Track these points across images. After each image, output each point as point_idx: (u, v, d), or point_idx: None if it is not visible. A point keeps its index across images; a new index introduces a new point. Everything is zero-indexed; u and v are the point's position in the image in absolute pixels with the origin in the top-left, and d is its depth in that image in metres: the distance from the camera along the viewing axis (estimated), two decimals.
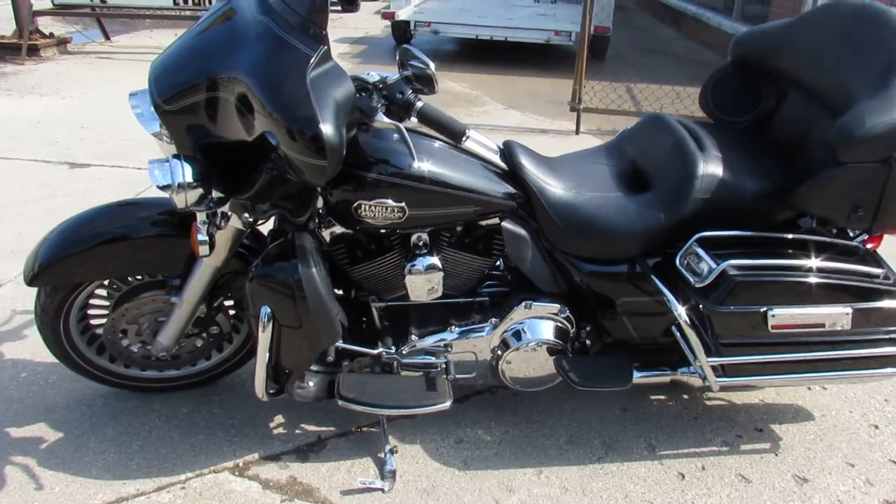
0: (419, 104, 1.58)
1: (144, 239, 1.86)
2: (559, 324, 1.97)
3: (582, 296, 1.96)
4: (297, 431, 2.11)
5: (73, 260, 1.82)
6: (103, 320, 2.03)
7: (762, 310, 1.75)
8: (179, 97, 1.53)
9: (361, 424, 2.14)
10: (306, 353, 1.77)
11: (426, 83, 1.62)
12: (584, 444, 2.11)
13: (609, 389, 2.03)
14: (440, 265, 1.85)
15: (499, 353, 1.97)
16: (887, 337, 1.85)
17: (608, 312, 1.97)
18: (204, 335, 2.07)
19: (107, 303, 2.01)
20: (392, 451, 2.00)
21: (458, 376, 1.96)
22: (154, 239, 1.86)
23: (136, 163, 4.19)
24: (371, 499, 1.89)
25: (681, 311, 1.77)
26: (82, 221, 1.89)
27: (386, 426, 2.07)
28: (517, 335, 1.96)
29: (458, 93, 6.37)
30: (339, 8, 10.56)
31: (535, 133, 5.29)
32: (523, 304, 1.94)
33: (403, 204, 1.68)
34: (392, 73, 1.72)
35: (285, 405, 2.18)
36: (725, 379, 1.86)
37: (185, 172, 1.51)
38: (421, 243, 1.85)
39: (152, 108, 1.56)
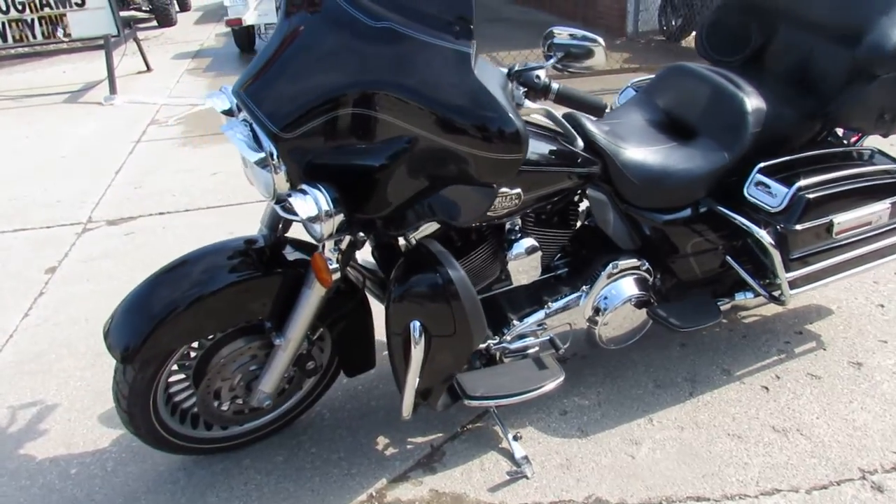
0: (556, 86, 1.59)
1: (230, 287, 1.71)
2: (642, 277, 2.07)
3: (654, 246, 2.07)
4: (407, 447, 2.06)
5: (167, 328, 1.65)
6: (183, 385, 1.86)
7: (828, 219, 1.95)
8: (301, 123, 1.43)
9: (463, 423, 2.13)
10: (459, 359, 1.74)
11: (590, 58, 1.55)
12: (670, 384, 2.24)
13: (708, 325, 2.16)
14: (538, 244, 1.87)
15: (596, 318, 2.03)
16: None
17: (676, 256, 2.10)
18: (298, 373, 1.95)
19: (186, 365, 1.84)
20: (516, 438, 2.02)
21: (563, 349, 2.00)
22: (239, 285, 1.72)
23: (38, 222, 3.76)
24: (519, 488, 1.90)
25: (763, 235, 1.93)
26: (157, 285, 1.71)
27: (499, 417, 2.08)
28: (608, 297, 2.03)
29: None
30: (155, 24, 9.93)
31: None
32: (610, 265, 2.01)
33: (519, 190, 1.68)
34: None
35: (373, 424, 2.13)
36: (797, 290, 2.06)
37: (329, 199, 1.42)
38: (516, 228, 1.86)
39: (257, 137, 1.46)
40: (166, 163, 4.61)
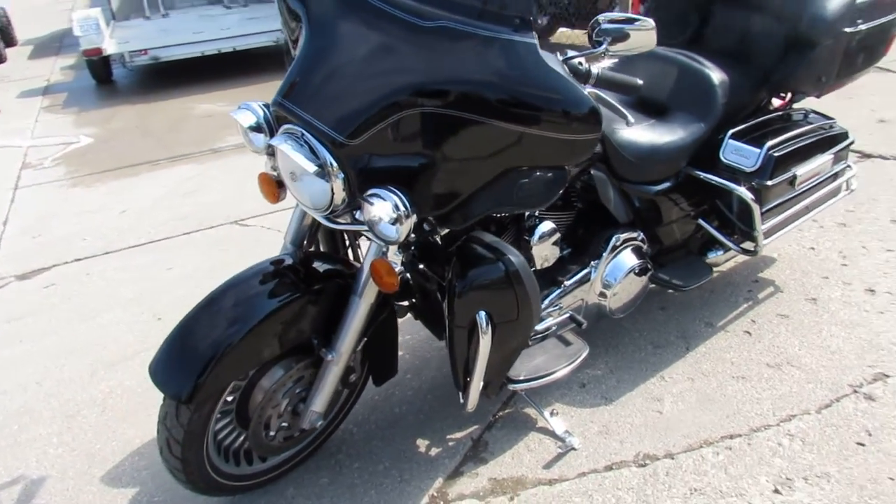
0: (595, 71, 1.66)
1: (277, 313, 1.65)
2: (639, 247, 2.22)
3: (645, 217, 2.24)
4: (448, 444, 2.08)
5: (223, 363, 1.58)
6: (226, 421, 1.79)
7: (791, 173, 2.21)
8: (366, 128, 1.43)
9: (494, 412, 2.19)
10: (521, 343, 1.79)
11: (641, 40, 1.56)
12: (666, 344, 2.42)
13: (704, 281, 2.35)
14: (555, 226, 1.97)
15: (605, 291, 2.16)
16: (841, 169, 2.46)
17: (663, 224, 2.28)
18: (340, 387, 1.92)
19: (229, 401, 1.76)
20: (553, 414, 2.10)
21: (585, 323, 2.11)
22: (285, 308, 1.66)
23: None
24: (571, 459, 1.98)
25: (743, 192, 2.14)
26: (201, 321, 1.64)
27: (531, 399, 2.15)
28: (614, 269, 2.17)
29: (225, 113, 6.03)
30: None
31: None
32: (612, 239, 2.15)
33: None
34: None
35: (406, 429, 2.15)
36: (769, 239, 2.30)
37: (405, 201, 1.44)
38: (535, 213, 1.95)
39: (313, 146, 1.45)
40: (61, 206, 4.26)
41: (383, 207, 1.42)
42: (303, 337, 1.74)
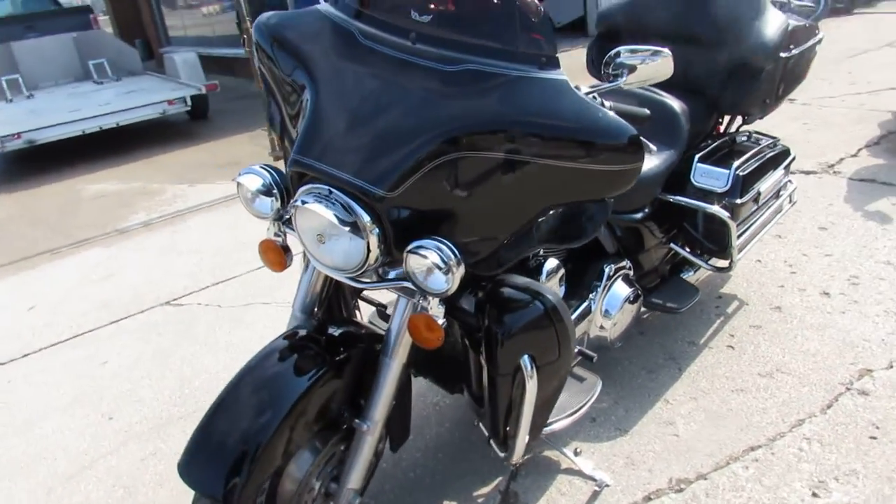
0: (609, 104, 1.66)
1: (307, 395, 1.51)
2: (628, 274, 2.26)
3: (628, 244, 2.28)
4: (478, 501, 1.99)
5: (265, 453, 1.44)
6: None
7: (756, 189, 2.33)
8: (403, 180, 1.37)
9: (507, 461, 2.11)
10: (561, 383, 1.74)
11: (659, 70, 1.57)
12: (657, 367, 2.46)
13: (696, 299, 2.40)
14: (559, 262, 1.96)
15: (605, 322, 2.17)
16: (785, 184, 2.63)
17: (643, 249, 2.34)
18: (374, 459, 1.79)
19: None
20: (577, 453, 2.06)
21: (595, 356, 2.10)
22: (314, 388, 1.52)
23: None
24: (608, 496, 1.94)
25: (720, 211, 2.23)
26: (228, 418, 1.47)
27: (551, 441, 2.10)
28: (611, 300, 2.18)
29: (120, 191, 5.69)
30: None
31: None
32: (606, 270, 2.17)
33: None
34: None
35: (427, 495, 2.03)
36: (740, 255, 2.41)
37: (452, 249, 1.38)
38: (540, 252, 1.93)
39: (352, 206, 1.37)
40: None
41: (433, 258, 1.35)
42: (333, 412, 1.62)
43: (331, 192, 1.40)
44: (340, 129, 1.43)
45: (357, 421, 1.62)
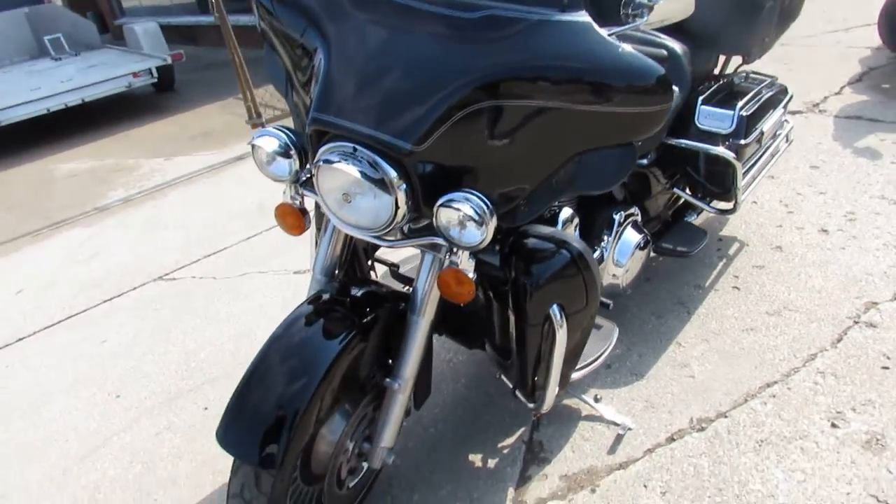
0: (627, 46, 1.61)
1: (341, 357, 1.48)
2: (637, 220, 2.26)
3: (636, 190, 2.28)
4: (503, 453, 2.00)
5: (305, 417, 1.42)
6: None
7: (759, 130, 2.33)
8: (431, 133, 1.33)
9: (536, 412, 2.13)
10: (588, 331, 1.74)
11: (681, 10, 1.53)
12: (667, 312, 2.48)
13: (704, 243, 2.41)
14: (573, 211, 1.95)
15: (617, 270, 2.17)
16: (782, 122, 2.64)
17: (651, 195, 2.34)
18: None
19: None
20: (597, 400, 2.08)
21: (611, 304, 2.11)
22: (347, 350, 1.49)
23: None
24: (632, 439, 1.97)
25: (725, 153, 2.22)
26: (265, 383, 1.45)
27: (571, 390, 2.12)
28: (622, 247, 2.18)
29: (94, 169, 5.54)
30: None
31: (233, 164, 5.03)
32: (616, 217, 2.16)
33: None
34: None
35: (451, 449, 2.04)
36: (744, 195, 2.42)
37: (485, 201, 1.35)
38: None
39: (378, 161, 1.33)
40: None
41: (467, 211, 1.32)
42: (363, 374, 1.60)
43: (355, 149, 1.36)
44: (360, 83, 1.39)
45: (388, 380, 1.62)
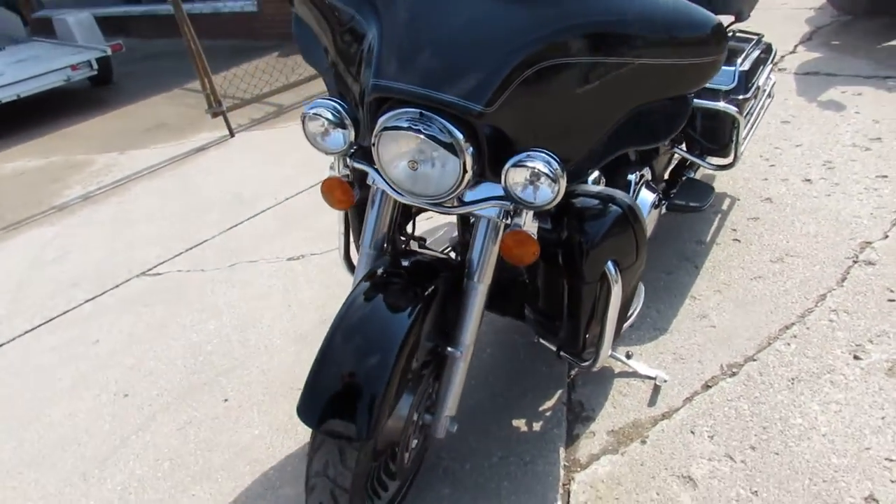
0: None
1: (412, 330, 1.46)
2: (648, 180, 2.31)
3: (641, 151, 2.33)
4: (546, 415, 2.04)
5: (388, 391, 1.41)
6: None
7: (755, 84, 2.42)
8: (498, 94, 1.34)
9: (567, 373, 2.18)
10: (636, 287, 1.78)
11: None
12: (675, 269, 2.56)
13: (713, 197, 2.48)
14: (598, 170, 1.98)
15: None
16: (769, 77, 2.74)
17: (658, 154, 2.40)
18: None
19: None
20: (629, 356, 2.13)
21: None
22: (416, 322, 1.47)
23: None
24: (668, 390, 2.03)
25: (730, 108, 2.30)
26: (346, 354, 1.43)
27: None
28: (641, 207, 2.22)
29: (42, 167, 5.28)
30: None
31: (194, 155, 4.88)
32: (632, 178, 2.21)
33: None
34: None
35: (492, 416, 2.06)
36: (742, 149, 2.51)
37: (556, 158, 1.36)
38: None
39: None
40: None
41: (542, 168, 1.33)
42: (429, 344, 1.60)
43: (422, 114, 1.35)
44: (423, 48, 1.37)
45: (449, 349, 1.62)
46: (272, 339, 2.65)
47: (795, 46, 4.39)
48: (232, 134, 5.01)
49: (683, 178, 2.65)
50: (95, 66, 6.46)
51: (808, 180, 2.91)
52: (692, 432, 1.86)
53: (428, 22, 1.38)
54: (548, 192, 1.36)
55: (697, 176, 2.67)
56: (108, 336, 2.91)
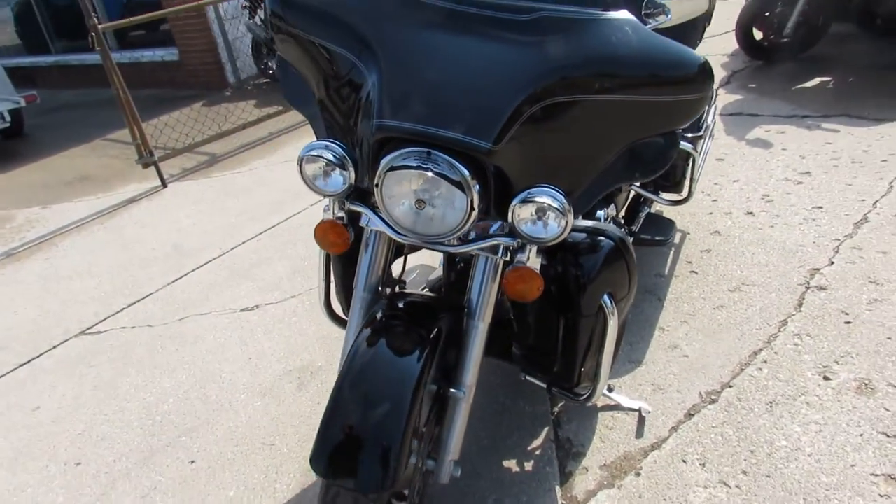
0: None
1: (423, 373, 1.44)
2: (616, 216, 2.38)
3: None
4: (536, 453, 2.02)
5: (405, 440, 1.38)
6: None
7: (705, 121, 2.54)
8: (506, 130, 1.36)
9: (551, 411, 2.18)
10: (627, 319, 1.80)
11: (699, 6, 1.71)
12: (639, 301, 2.62)
13: (675, 229, 2.56)
14: None
15: None
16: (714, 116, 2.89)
17: (620, 192, 2.47)
18: None
19: None
20: (611, 390, 2.16)
21: None
22: (425, 366, 1.44)
23: None
24: (653, 421, 2.06)
25: (686, 145, 2.40)
26: (356, 403, 1.39)
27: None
28: None
29: None
30: None
31: (126, 207, 4.68)
32: (601, 213, 2.27)
33: None
34: None
35: (481, 457, 2.03)
36: (696, 182, 2.62)
37: (562, 195, 1.39)
38: None
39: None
40: None
41: (551, 204, 1.35)
42: (432, 387, 1.57)
43: (429, 152, 1.35)
44: (426, 87, 1.38)
45: (452, 390, 1.59)
46: (235, 394, 2.53)
47: (717, 90, 4.66)
48: (164, 184, 4.85)
49: (643, 214, 2.74)
50: (8, 118, 6.15)
51: (751, 213, 3.06)
52: (684, 461, 1.88)
53: (431, 61, 1.39)
54: (555, 227, 1.38)
55: (653, 211, 2.76)
56: (49, 402, 2.71)
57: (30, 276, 3.88)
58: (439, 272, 2.20)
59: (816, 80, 4.61)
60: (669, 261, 2.82)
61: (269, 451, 2.20)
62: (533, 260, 1.48)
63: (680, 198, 2.62)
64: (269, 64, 7.46)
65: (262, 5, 7.15)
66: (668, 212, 3.16)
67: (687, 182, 2.56)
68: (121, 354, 2.93)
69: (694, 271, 2.73)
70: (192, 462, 2.23)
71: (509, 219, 1.39)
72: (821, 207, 3.01)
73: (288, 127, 5.93)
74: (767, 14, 4.75)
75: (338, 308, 1.98)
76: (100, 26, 4.38)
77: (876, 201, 2.96)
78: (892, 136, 3.54)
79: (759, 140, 3.77)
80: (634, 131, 1.53)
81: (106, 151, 6.02)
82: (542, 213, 1.36)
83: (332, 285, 1.95)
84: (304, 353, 2.69)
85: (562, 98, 1.39)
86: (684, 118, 1.55)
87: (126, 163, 5.54)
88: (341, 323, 2.02)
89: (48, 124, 7.65)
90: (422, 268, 2.48)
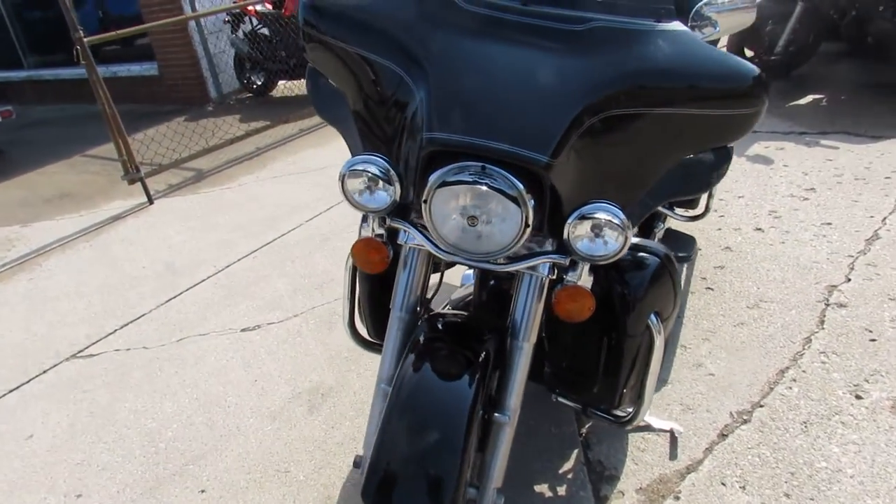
0: None
1: (475, 399, 1.38)
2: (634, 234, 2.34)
3: None
4: (568, 477, 1.96)
5: (461, 475, 1.31)
6: None
7: None
8: (564, 143, 1.31)
9: (579, 432, 2.12)
10: (669, 339, 1.75)
11: (745, 18, 1.70)
12: None
13: (697, 245, 2.52)
14: None
15: None
16: None
17: None
18: None
19: None
20: None
21: None
22: (477, 393, 1.38)
23: None
24: (685, 442, 2.00)
25: None
26: (418, 438, 1.32)
27: None
28: None
29: None
30: None
31: (111, 224, 4.55)
32: None
33: None
34: None
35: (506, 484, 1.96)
36: (714, 198, 2.60)
37: (621, 210, 1.34)
38: None
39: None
40: None
41: (611, 219, 1.30)
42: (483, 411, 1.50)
43: (484, 167, 1.29)
44: (480, 100, 1.33)
45: (497, 415, 1.52)
46: (243, 418, 2.42)
47: None
48: (151, 201, 4.72)
49: (659, 230, 2.70)
50: None
51: (760, 229, 3.05)
52: (723, 484, 1.83)
53: (481, 72, 1.34)
54: (614, 244, 1.33)
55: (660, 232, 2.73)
56: (43, 429, 2.57)
57: (13, 297, 3.73)
58: (462, 291, 2.13)
59: (809, 98, 4.66)
60: (684, 277, 2.79)
61: (283, 478, 2.10)
62: (585, 278, 1.42)
63: (697, 213, 2.59)
64: (253, 78, 7.37)
65: (245, 20, 7.07)
66: (677, 227, 3.14)
67: (704, 197, 2.53)
68: (116, 378, 2.80)
69: (710, 288, 2.70)
70: (203, 491, 2.12)
71: (564, 236, 1.33)
72: (830, 224, 3.00)
73: (275, 142, 5.84)
74: (759, 33, 4.80)
75: (362, 329, 1.90)
76: (85, 40, 4.26)
77: (885, 218, 2.97)
78: (892, 154, 3.57)
79: (760, 156, 3.78)
80: (690, 146, 1.48)
81: (86, 168, 5.87)
82: (599, 230, 1.31)
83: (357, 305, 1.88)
84: (312, 374, 2.59)
85: (618, 111, 1.34)
86: (739, 132, 1.52)
87: (108, 179, 5.39)
88: (365, 344, 1.94)
89: (24, 140, 7.45)
90: (444, 286, 2.41)
